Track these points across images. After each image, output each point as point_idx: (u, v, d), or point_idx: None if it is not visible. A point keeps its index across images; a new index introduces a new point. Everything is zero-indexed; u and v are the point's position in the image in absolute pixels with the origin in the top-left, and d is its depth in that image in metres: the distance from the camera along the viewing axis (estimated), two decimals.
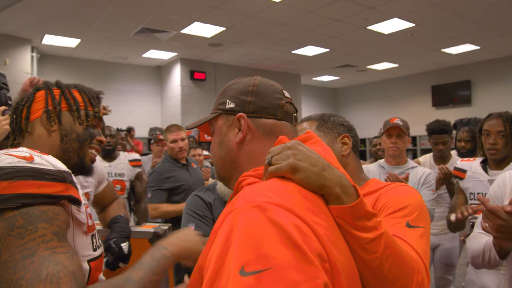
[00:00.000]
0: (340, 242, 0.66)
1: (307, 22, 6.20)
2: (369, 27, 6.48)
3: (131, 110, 8.62)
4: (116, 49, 7.66)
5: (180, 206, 2.67)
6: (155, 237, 1.53)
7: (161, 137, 4.26)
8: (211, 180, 3.51)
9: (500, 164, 2.11)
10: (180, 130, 3.02)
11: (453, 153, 3.31)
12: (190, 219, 1.91)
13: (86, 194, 1.64)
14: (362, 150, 10.36)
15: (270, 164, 0.72)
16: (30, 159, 0.84)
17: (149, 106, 9.11)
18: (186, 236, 1.04)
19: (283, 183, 0.68)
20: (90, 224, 0.98)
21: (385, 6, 5.56)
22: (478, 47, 7.84)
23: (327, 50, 7.88)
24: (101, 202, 1.63)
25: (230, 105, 0.84)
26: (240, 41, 7.28)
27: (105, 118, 1.40)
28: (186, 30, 6.53)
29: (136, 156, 3.45)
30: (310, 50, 7.94)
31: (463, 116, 8.75)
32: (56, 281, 0.71)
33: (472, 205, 2.14)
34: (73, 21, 6.00)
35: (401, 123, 2.40)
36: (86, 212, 0.96)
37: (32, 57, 6.99)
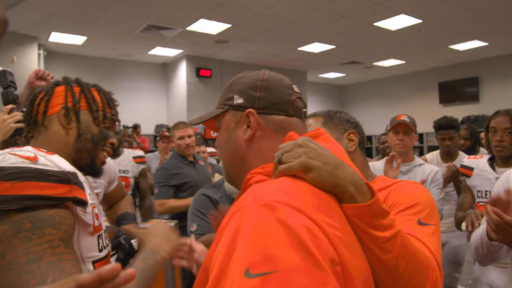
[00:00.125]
0: (354, 244, 0.64)
1: (313, 18, 6.18)
2: (376, 24, 6.44)
3: (137, 107, 8.65)
4: (122, 46, 7.68)
5: (187, 201, 2.68)
6: None
7: (167, 134, 4.28)
8: (218, 177, 3.52)
9: (507, 161, 2.09)
10: (187, 127, 3.04)
11: None
12: (195, 219, 1.93)
13: (95, 194, 1.64)
14: (368, 147, 10.33)
15: (280, 162, 0.68)
16: (34, 159, 0.83)
17: (155, 103, 9.14)
18: (168, 236, 1.05)
19: (293, 182, 0.65)
20: (96, 224, 0.96)
21: (392, 2, 5.52)
22: (486, 44, 7.76)
23: (333, 46, 7.84)
24: (110, 201, 1.63)
25: (238, 100, 0.80)
26: (246, 38, 7.27)
27: None
28: (192, 27, 6.53)
29: (140, 152, 3.47)
30: (316, 47, 7.91)
31: (471, 113, 8.68)
32: None
33: (480, 203, 2.13)
34: (80, 18, 6.03)
35: (408, 120, 2.39)
36: (92, 213, 0.94)
37: (39, 54, 7.03)
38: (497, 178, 2.08)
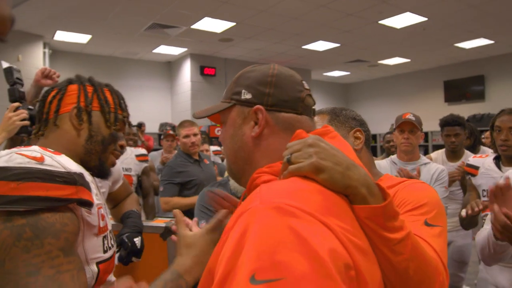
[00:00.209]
0: (365, 247, 0.61)
1: (318, 16, 6.16)
2: (381, 22, 6.41)
3: (142, 106, 8.67)
4: (127, 44, 7.70)
5: (192, 199, 2.70)
6: (167, 231, 1.54)
7: (171, 132, 4.29)
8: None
9: None
10: (192, 126, 3.06)
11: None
12: (203, 216, 1.93)
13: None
14: (373, 146, 10.29)
15: (289, 161, 0.66)
16: (40, 160, 0.82)
17: (159, 102, 9.16)
18: (203, 255, 0.91)
19: (304, 183, 0.62)
20: (102, 225, 0.96)
21: (398, 0, 5.49)
22: (492, 42, 7.71)
23: (338, 45, 7.81)
24: (115, 199, 1.63)
25: (246, 96, 0.77)
26: (250, 36, 7.26)
27: None
28: (196, 26, 6.53)
29: (142, 151, 3.47)
30: (321, 45, 7.89)
31: (476, 111, 8.63)
32: None
33: (484, 202, 2.12)
34: (85, 17, 6.05)
35: (413, 118, 2.38)
36: (98, 213, 0.94)
37: (44, 53, 7.07)
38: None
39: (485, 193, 2.14)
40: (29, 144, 1.84)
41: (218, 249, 0.61)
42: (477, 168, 2.24)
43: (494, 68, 8.94)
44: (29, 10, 5.50)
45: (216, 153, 4.94)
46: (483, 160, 2.24)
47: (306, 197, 0.58)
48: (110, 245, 1.02)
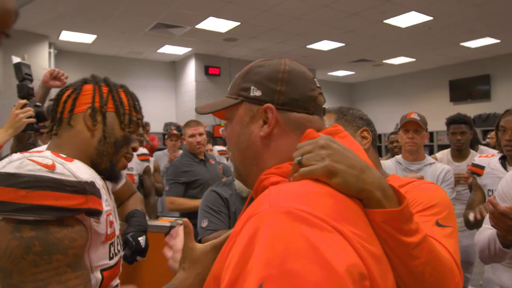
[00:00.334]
0: (379, 253, 0.58)
1: (322, 16, 6.14)
2: (386, 21, 6.38)
3: (146, 105, 8.61)
4: (132, 44, 7.72)
5: (197, 202, 2.71)
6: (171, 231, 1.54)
7: (175, 132, 4.30)
8: None
9: None
10: (198, 125, 3.08)
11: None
12: (205, 215, 1.93)
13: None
14: (378, 146, 10.24)
15: (300, 163, 0.63)
16: (51, 167, 0.81)
17: (164, 101, 9.18)
18: (205, 271, 0.81)
19: (315, 186, 0.59)
20: (109, 232, 0.95)
21: None
22: (498, 41, 7.65)
23: (343, 44, 7.79)
24: (118, 198, 1.64)
25: (256, 92, 0.72)
26: (254, 36, 7.26)
27: None
28: (200, 25, 6.54)
29: (144, 150, 3.49)
30: (325, 45, 7.87)
31: (482, 111, 8.57)
32: None
33: None
34: (90, 17, 6.07)
35: (418, 118, 2.36)
36: (106, 221, 0.93)
37: (49, 53, 7.10)
38: None
39: (490, 193, 2.13)
40: (35, 141, 1.84)
41: (224, 254, 0.58)
42: (482, 167, 2.22)
43: (500, 68, 8.88)
44: (34, 10, 5.53)
45: (221, 153, 4.94)
46: (489, 160, 2.23)
47: (318, 201, 0.56)
48: (116, 251, 1.01)
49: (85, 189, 0.83)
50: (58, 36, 6.95)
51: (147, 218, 1.60)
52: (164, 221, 1.88)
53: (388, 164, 2.50)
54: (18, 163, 0.80)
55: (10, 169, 0.79)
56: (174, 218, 1.93)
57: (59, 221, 0.79)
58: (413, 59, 9.21)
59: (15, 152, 0.90)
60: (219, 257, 0.62)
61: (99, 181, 0.95)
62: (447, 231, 0.85)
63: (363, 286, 0.50)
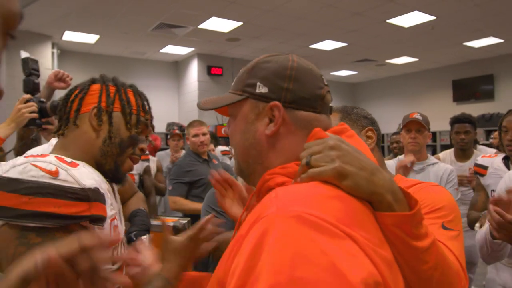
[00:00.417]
0: (390, 258, 0.57)
1: (325, 16, 6.13)
2: (389, 21, 6.37)
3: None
4: (134, 44, 7.74)
5: (199, 206, 2.73)
6: (175, 231, 1.54)
7: (177, 132, 4.31)
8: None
9: None
10: (202, 125, 3.12)
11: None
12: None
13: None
14: (381, 146, 10.23)
15: (308, 164, 0.60)
16: (55, 174, 0.80)
17: (166, 101, 9.19)
18: (186, 260, 0.91)
19: (324, 188, 0.57)
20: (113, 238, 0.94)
21: None
22: (502, 40, 7.62)
23: (345, 44, 7.78)
24: (120, 198, 1.64)
25: (262, 89, 0.70)
26: (257, 36, 7.25)
27: None
28: (203, 25, 6.54)
29: None
30: (328, 45, 7.86)
31: (486, 111, 8.54)
32: None
33: None
34: (93, 17, 6.09)
35: (420, 117, 2.36)
36: (110, 226, 0.92)
37: (52, 53, 7.12)
38: None
39: (493, 193, 2.12)
40: (38, 137, 1.84)
41: (229, 257, 0.56)
42: (485, 168, 2.22)
43: (504, 67, 8.83)
44: (38, 10, 5.54)
45: (224, 153, 4.94)
46: (492, 160, 2.22)
47: (327, 205, 0.53)
48: (119, 255, 1.00)
49: (88, 196, 0.83)
50: (61, 36, 6.97)
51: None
52: (167, 221, 1.88)
53: (391, 164, 2.50)
54: (22, 168, 0.80)
55: (13, 174, 0.78)
56: (177, 218, 1.93)
57: (64, 227, 0.79)
58: (416, 59, 9.19)
59: (18, 149, 0.90)
60: (223, 259, 0.60)
61: (104, 185, 0.94)
62: (453, 233, 0.84)
63: None
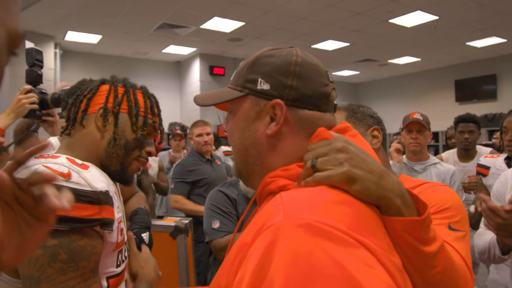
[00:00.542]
0: (400, 263, 0.54)
1: (327, 16, 6.13)
2: (391, 20, 6.36)
3: None
4: (137, 44, 7.75)
5: (200, 208, 2.73)
6: (176, 230, 1.55)
7: (179, 132, 4.32)
8: None
9: None
10: (205, 125, 3.15)
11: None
12: (215, 216, 1.89)
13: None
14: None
15: (314, 167, 0.57)
16: (67, 176, 0.80)
17: (168, 101, 9.19)
18: (155, 264, 1.11)
19: (332, 193, 0.54)
20: (119, 240, 0.94)
21: None
22: (504, 40, 7.59)
23: (348, 44, 7.77)
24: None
25: (263, 86, 0.65)
26: (259, 36, 7.26)
27: None
28: (205, 25, 6.55)
29: None
30: (330, 45, 7.85)
31: (488, 111, 8.51)
32: None
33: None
34: (95, 17, 6.10)
35: (421, 117, 2.36)
36: (118, 228, 0.92)
37: (55, 53, 7.14)
38: None
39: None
40: (38, 128, 1.83)
41: (231, 266, 0.53)
42: (488, 168, 2.22)
43: (506, 67, 8.80)
44: (40, 10, 5.56)
45: (227, 153, 4.93)
46: (494, 160, 2.22)
47: (337, 211, 0.50)
48: (123, 258, 1.00)
49: (99, 199, 0.83)
50: (64, 36, 6.99)
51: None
52: (169, 221, 1.88)
53: (392, 164, 2.50)
54: (33, 169, 0.79)
55: (25, 175, 0.78)
56: (179, 218, 1.93)
57: (78, 229, 0.79)
58: (419, 59, 9.17)
59: (16, 143, 0.91)
60: (225, 266, 0.57)
61: (112, 188, 0.94)
62: (459, 234, 0.83)
63: None
